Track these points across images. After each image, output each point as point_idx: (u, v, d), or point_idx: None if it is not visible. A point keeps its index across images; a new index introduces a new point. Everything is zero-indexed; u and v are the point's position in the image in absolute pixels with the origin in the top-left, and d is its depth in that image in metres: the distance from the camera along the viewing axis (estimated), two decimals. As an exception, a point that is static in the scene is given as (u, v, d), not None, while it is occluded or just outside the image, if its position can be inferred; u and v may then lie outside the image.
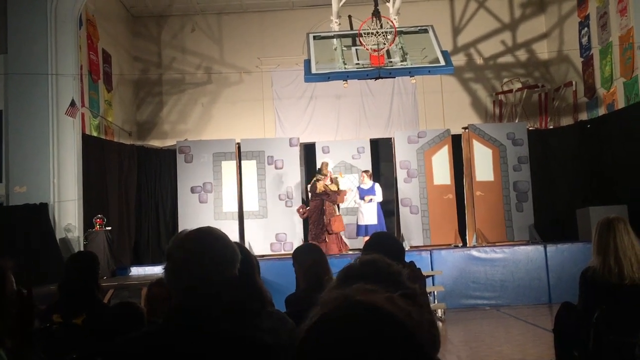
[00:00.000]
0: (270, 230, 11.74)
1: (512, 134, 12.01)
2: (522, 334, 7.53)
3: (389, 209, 12.54)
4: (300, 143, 12.48)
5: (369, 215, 10.67)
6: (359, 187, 10.93)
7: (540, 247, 9.92)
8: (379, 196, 10.80)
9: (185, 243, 1.63)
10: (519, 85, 13.87)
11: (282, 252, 11.48)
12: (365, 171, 11.14)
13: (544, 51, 14.31)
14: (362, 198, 10.72)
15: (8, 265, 2.04)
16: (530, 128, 12.71)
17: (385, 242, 2.81)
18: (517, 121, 13.26)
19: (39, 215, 9.43)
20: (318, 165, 11.34)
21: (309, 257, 3.27)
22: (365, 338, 0.82)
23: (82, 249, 9.43)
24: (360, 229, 10.69)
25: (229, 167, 12.04)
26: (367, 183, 10.87)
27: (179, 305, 1.60)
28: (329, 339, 0.83)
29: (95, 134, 11.57)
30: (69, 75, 10.03)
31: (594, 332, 3.01)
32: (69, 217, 9.86)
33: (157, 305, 3.24)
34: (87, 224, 10.12)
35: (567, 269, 9.01)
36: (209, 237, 1.65)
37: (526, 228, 11.61)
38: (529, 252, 9.88)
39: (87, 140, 10.63)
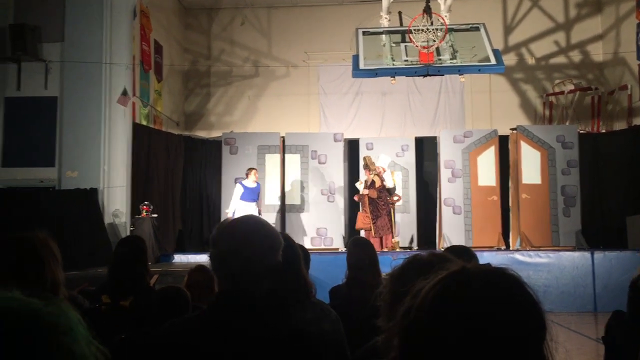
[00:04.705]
0: (311, 225, 11.78)
1: (562, 137, 11.71)
2: (566, 341, 7.35)
3: (431, 208, 12.44)
4: (345, 139, 12.48)
5: None
6: (241, 184, 10.39)
7: (587, 254, 9.66)
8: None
9: (229, 230, 1.66)
10: (571, 87, 13.49)
11: (322, 246, 11.52)
12: (254, 169, 10.64)
13: (598, 53, 13.87)
14: (248, 198, 10.24)
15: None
16: (581, 131, 12.36)
17: (456, 253, 2.80)
18: (567, 124, 12.91)
19: (88, 199, 9.72)
20: (363, 162, 11.06)
21: (353, 252, 3.30)
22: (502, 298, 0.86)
23: (128, 234, 9.67)
24: None
25: (272, 160, 12.14)
26: (252, 183, 10.45)
27: (225, 291, 1.64)
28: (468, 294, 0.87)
29: (144, 122, 11.82)
30: (122, 65, 10.29)
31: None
32: (117, 202, 10.13)
33: (197, 291, 3.30)
34: (134, 210, 10.37)
35: (614, 278, 8.75)
36: (253, 224, 1.68)
37: (573, 234, 11.32)
38: (575, 258, 9.63)
39: (136, 128, 10.88)
